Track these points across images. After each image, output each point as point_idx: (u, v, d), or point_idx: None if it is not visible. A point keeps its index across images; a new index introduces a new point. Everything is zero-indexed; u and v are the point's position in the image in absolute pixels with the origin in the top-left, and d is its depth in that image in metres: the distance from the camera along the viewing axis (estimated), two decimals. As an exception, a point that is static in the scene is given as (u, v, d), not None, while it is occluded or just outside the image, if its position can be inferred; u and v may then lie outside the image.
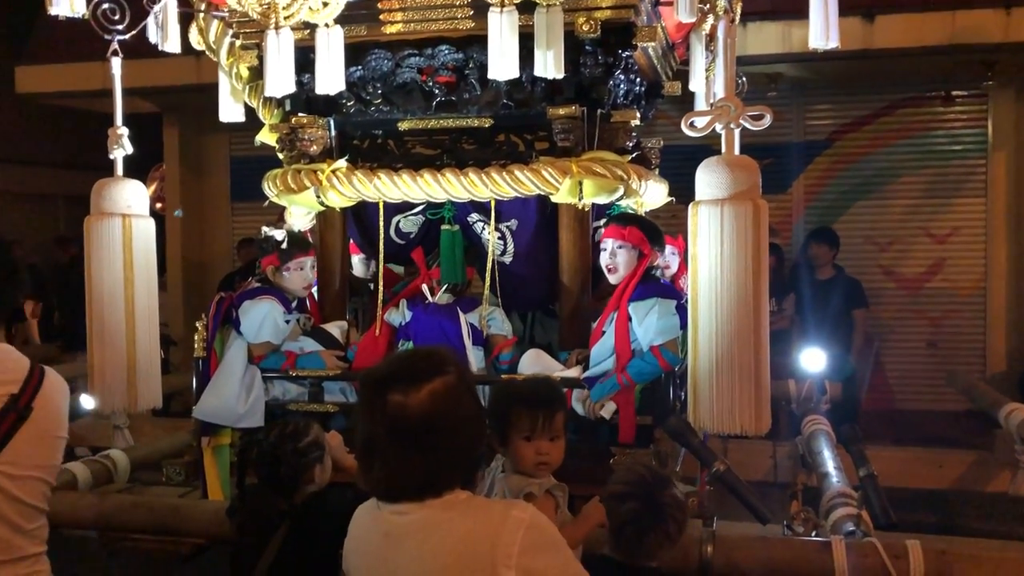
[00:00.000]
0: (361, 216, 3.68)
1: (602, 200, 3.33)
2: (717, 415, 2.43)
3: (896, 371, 7.49)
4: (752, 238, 2.42)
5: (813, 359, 4.37)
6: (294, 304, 3.54)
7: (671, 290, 3.28)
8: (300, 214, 3.73)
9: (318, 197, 3.42)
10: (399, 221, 3.65)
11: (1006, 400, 4.68)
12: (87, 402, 2.95)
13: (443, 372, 1.61)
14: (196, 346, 3.45)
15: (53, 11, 2.89)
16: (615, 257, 3.23)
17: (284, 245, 3.47)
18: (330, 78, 2.99)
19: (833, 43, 3.31)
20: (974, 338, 7.41)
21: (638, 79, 3.64)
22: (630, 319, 3.12)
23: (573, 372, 3.22)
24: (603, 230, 3.33)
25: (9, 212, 11.13)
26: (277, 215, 3.99)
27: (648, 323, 3.07)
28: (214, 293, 6.97)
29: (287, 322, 3.49)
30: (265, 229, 3.54)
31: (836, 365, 4.86)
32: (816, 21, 3.31)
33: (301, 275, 3.50)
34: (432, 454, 1.58)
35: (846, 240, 7.12)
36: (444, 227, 3.54)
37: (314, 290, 3.68)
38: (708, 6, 2.87)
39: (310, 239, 3.64)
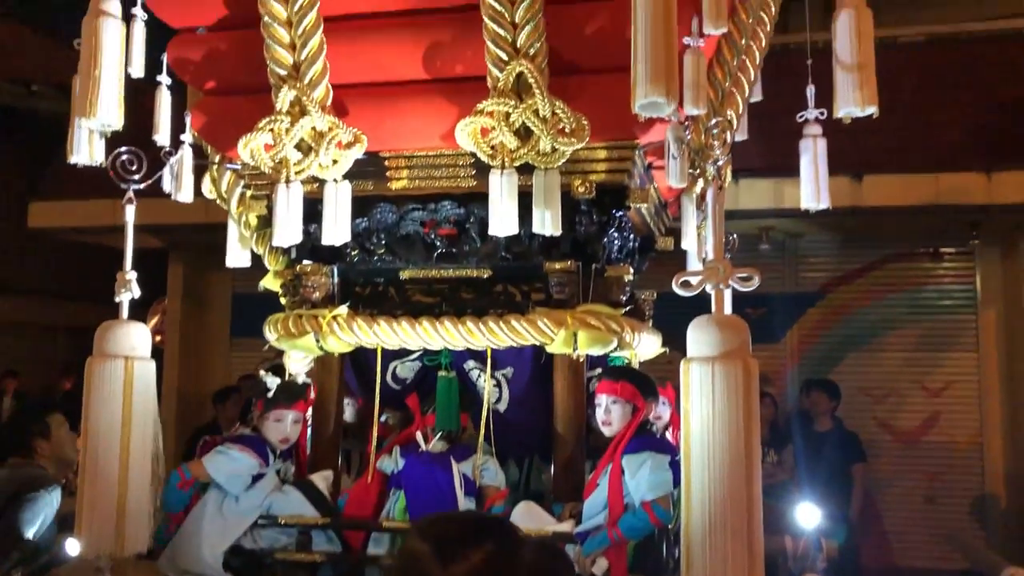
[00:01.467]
0: (359, 361, 3.72)
1: (596, 352, 3.39)
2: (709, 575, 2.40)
3: (895, 527, 7.37)
4: (743, 397, 2.46)
5: (808, 515, 4.31)
6: (278, 452, 3.53)
7: (665, 445, 3.29)
8: (298, 358, 3.78)
9: (318, 342, 3.47)
10: (396, 367, 3.69)
11: (1005, 563, 4.59)
12: (72, 546, 2.90)
13: (484, 543, 1.54)
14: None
15: (73, 159, 3.04)
16: (609, 412, 3.26)
17: (271, 394, 3.49)
18: (337, 230, 3.12)
19: (824, 204, 3.46)
20: (971, 493, 7.32)
21: (632, 235, 3.77)
22: (623, 472, 3.12)
23: (566, 526, 3.19)
24: (596, 384, 3.38)
25: (10, 342, 11.18)
26: (275, 353, 4.02)
27: (640, 478, 3.07)
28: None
29: (260, 476, 3.44)
30: (262, 373, 3.57)
31: (834, 522, 4.78)
32: (807, 183, 3.48)
33: (278, 427, 3.48)
34: None
35: (842, 392, 7.15)
36: (441, 374, 3.57)
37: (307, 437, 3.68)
38: (698, 172, 3.03)
39: (311, 392, 3.63)
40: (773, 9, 3.55)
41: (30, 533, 3.63)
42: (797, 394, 7.07)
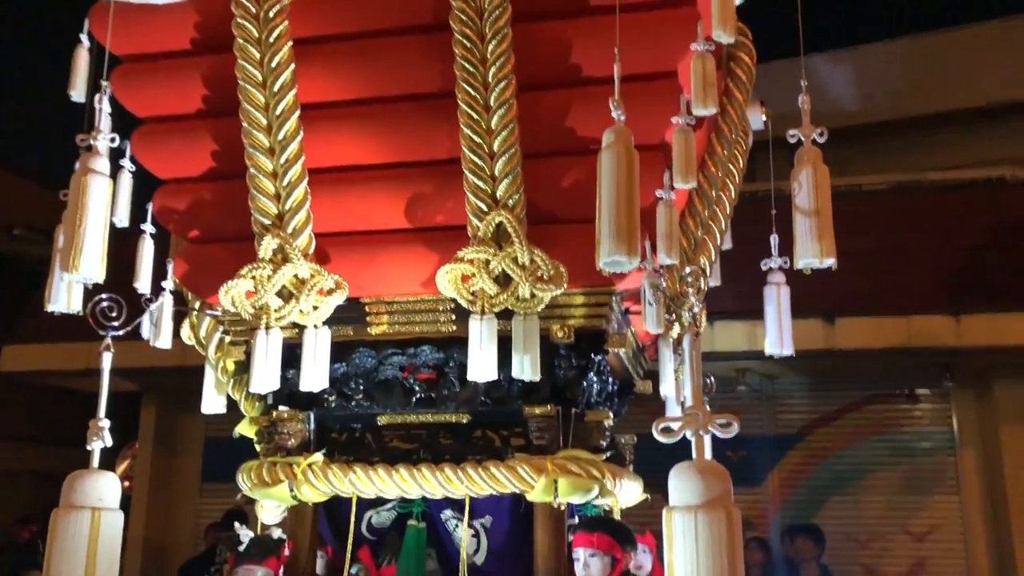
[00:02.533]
0: (333, 510, 3.63)
1: (577, 500, 3.33)
2: None
3: None
4: (727, 546, 2.43)
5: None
6: None
7: (648, 598, 3.20)
8: (271, 507, 3.68)
9: (292, 491, 3.39)
10: (371, 516, 3.61)
11: None
12: None
13: None
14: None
15: (51, 308, 3.03)
16: (589, 568, 3.18)
17: (242, 547, 3.38)
18: (315, 375, 3.11)
19: (788, 351, 3.51)
20: (965, 643, 7.11)
21: (610, 379, 3.78)
22: None
23: None
24: (572, 537, 3.30)
25: (-30, 488, 10.83)
26: (246, 500, 3.92)
27: None
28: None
29: None
30: (236, 525, 3.47)
31: None
32: (772, 331, 3.54)
33: None
34: None
35: (827, 536, 7.03)
36: (411, 523, 3.48)
37: None
38: (674, 317, 3.08)
39: (286, 549, 3.50)
40: (741, 162, 3.71)
41: None
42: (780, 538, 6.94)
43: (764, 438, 7.70)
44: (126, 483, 8.88)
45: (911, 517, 7.37)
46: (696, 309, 2.82)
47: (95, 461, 2.98)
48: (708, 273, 3.48)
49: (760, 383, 7.71)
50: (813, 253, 2.85)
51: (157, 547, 8.41)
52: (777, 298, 3.45)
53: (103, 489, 2.92)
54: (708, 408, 2.60)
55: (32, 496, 10.98)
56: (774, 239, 3.46)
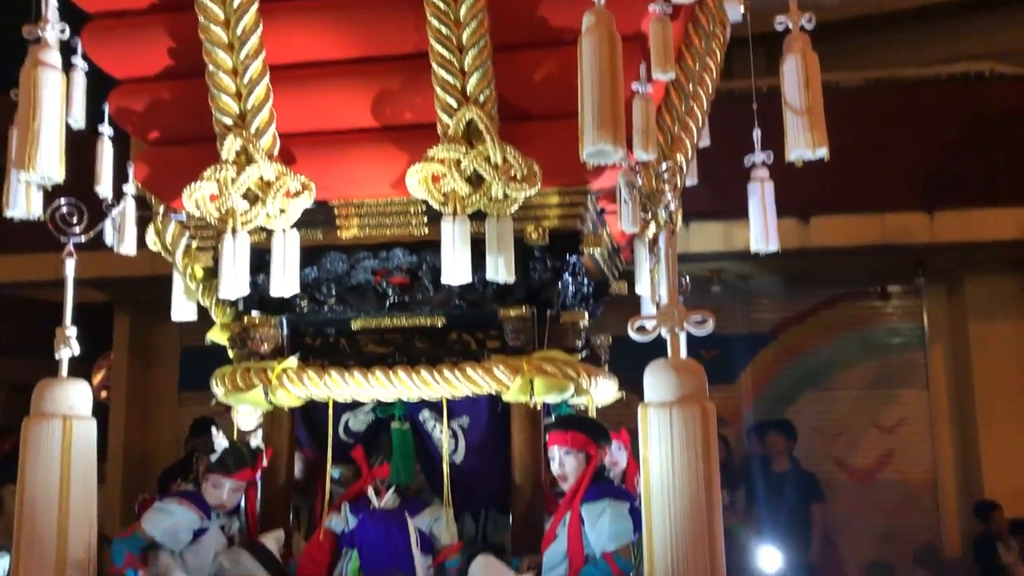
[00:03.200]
0: (310, 415, 3.62)
1: (553, 399, 3.35)
2: (673, 623, 2.36)
3: (854, 564, 7.37)
4: (702, 442, 2.45)
5: (770, 558, 4.29)
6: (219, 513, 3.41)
7: (624, 492, 3.24)
8: (246, 412, 3.67)
9: (267, 396, 3.37)
10: (348, 420, 3.60)
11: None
12: (5, 616, 2.76)
13: None
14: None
15: (9, 213, 2.95)
16: (564, 466, 3.21)
17: (215, 457, 3.37)
18: (285, 280, 3.05)
19: (773, 247, 3.49)
20: (927, 529, 7.38)
21: (586, 281, 3.75)
22: (582, 522, 3.07)
23: (525, 579, 3.11)
24: (547, 436, 3.32)
25: (-53, 400, 10.81)
26: (224, 408, 3.90)
27: (600, 527, 3.02)
28: (154, 487, 6.76)
29: (202, 531, 3.31)
30: (213, 431, 3.45)
31: (794, 564, 4.77)
32: (756, 226, 3.52)
33: (215, 493, 3.34)
34: None
35: (799, 431, 7.19)
36: (394, 425, 3.49)
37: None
38: (650, 216, 3.03)
39: (264, 460, 3.50)
40: (719, 55, 3.60)
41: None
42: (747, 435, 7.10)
43: (738, 337, 7.79)
44: (103, 393, 8.89)
45: (880, 411, 7.56)
46: (672, 207, 2.77)
47: (64, 369, 2.94)
48: (685, 171, 3.41)
49: (734, 283, 7.76)
50: (805, 143, 2.80)
51: (138, 456, 8.48)
52: (761, 194, 3.41)
53: (73, 397, 2.89)
54: (683, 306, 2.59)
55: (9, 409, 10.98)
56: (757, 133, 3.40)
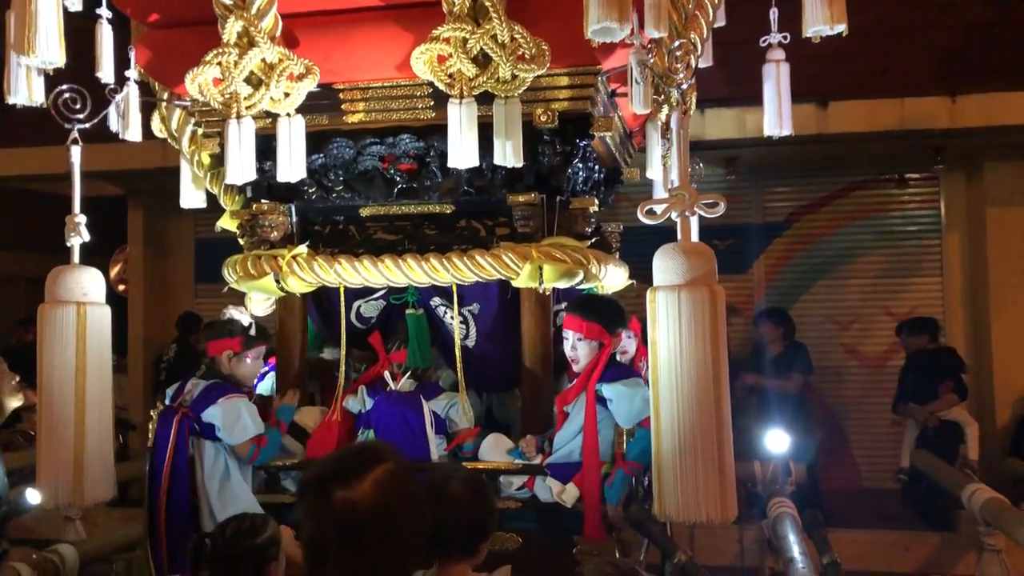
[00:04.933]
0: (322, 301, 3.66)
1: (562, 285, 3.35)
2: (682, 504, 2.40)
3: (861, 450, 7.52)
4: (710, 323, 2.43)
5: (777, 440, 4.36)
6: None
7: (640, 376, 3.28)
8: (259, 300, 3.70)
9: (278, 283, 3.40)
10: (360, 306, 3.64)
11: (968, 480, 4.69)
12: (33, 496, 2.85)
13: (383, 460, 1.59)
14: (150, 435, 3.37)
15: (12, 100, 2.90)
16: (576, 350, 3.24)
17: (252, 331, 3.42)
18: (291, 166, 3.01)
19: (787, 130, 3.41)
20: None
21: (596, 166, 3.70)
22: (600, 401, 3.12)
23: (535, 460, 3.19)
24: (563, 316, 3.34)
25: (-30, 294, 10.98)
26: (235, 297, 3.94)
27: (633, 404, 3.06)
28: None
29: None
30: (231, 311, 3.48)
31: (799, 446, 4.85)
32: (770, 110, 3.42)
33: (257, 364, 3.44)
34: (386, 546, 1.54)
35: (808, 319, 7.22)
36: (409, 311, 3.53)
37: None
38: (662, 97, 2.95)
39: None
40: (736, -74, 3.45)
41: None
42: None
43: (751, 227, 7.74)
44: (121, 287, 8.99)
45: (893, 299, 7.55)
46: (685, 87, 2.69)
47: (75, 256, 2.95)
48: (699, 50, 3.30)
49: (749, 172, 7.65)
50: (823, 19, 2.71)
51: (157, 347, 8.62)
52: (776, 76, 3.30)
53: (87, 284, 2.89)
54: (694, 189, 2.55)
55: (29, 302, 11.14)
56: (774, 13, 3.27)
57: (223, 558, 2.37)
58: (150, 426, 3.36)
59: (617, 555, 2.94)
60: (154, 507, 3.27)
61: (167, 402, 3.45)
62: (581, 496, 3.07)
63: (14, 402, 3.82)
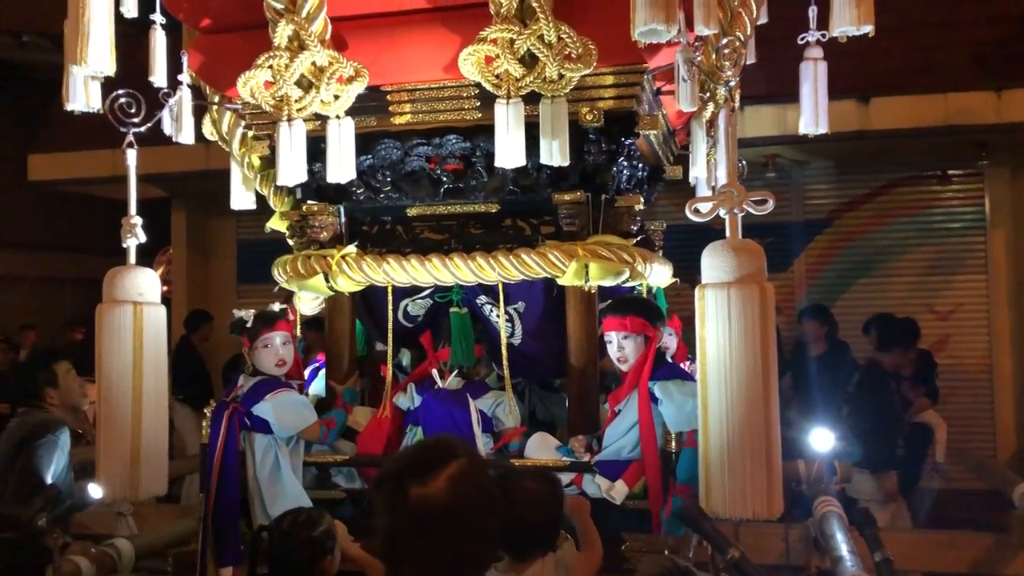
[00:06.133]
0: (369, 300, 3.71)
1: (608, 283, 3.36)
2: (729, 499, 2.41)
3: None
4: (760, 321, 2.44)
5: (822, 439, 4.34)
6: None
7: (690, 375, 3.28)
8: (308, 299, 3.76)
9: (327, 282, 3.45)
10: (407, 305, 3.68)
11: (1019, 479, 4.62)
12: (95, 491, 2.92)
13: (456, 456, 1.61)
14: (203, 432, 3.43)
15: (69, 106, 2.97)
16: (623, 349, 3.24)
17: (249, 323, 3.46)
18: (341, 168, 3.07)
19: (823, 129, 3.40)
20: (982, 415, 7.36)
21: (640, 164, 3.71)
22: (653, 400, 3.13)
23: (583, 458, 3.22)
24: (603, 320, 3.35)
25: (19, 295, 11.23)
26: (283, 296, 4.01)
27: (683, 409, 3.06)
28: (219, 378, 6.99)
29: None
30: (235, 313, 3.54)
31: (847, 442, 4.82)
32: (807, 107, 3.42)
33: (269, 352, 3.43)
34: (461, 541, 1.57)
35: (850, 318, 7.15)
36: (453, 310, 3.56)
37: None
38: (708, 95, 2.96)
39: (289, 315, 3.61)
40: (779, -75, 3.44)
41: (50, 477, 3.67)
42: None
43: (792, 224, 7.69)
44: (164, 287, 9.15)
45: (936, 296, 7.46)
46: (732, 84, 2.70)
47: (132, 257, 3.02)
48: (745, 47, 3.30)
49: (789, 169, 7.60)
50: (850, 20, 2.71)
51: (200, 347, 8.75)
52: (814, 74, 3.29)
53: (142, 284, 2.97)
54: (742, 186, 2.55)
55: (77, 304, 11.38)
56: (812, 11, 3.27)
57: (280, 551, 2.42)
58: (203, 423, 3.43)
59: (666, 552, 2.95)
60: (207, 501, 3.33)
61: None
62: (635, 492, 3.08)
63: (84, 403, 3.93)
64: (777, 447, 2.43)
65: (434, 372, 3.50)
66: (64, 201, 10.11)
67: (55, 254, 11.46)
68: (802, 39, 3.31)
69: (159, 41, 3.19)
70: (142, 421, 2.90)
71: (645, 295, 3.67)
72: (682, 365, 3.62)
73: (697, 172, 3.64)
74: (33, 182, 8.39)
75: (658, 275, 3.63)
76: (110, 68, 2.80)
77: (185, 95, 3.21)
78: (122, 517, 4.57)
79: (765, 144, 6.73)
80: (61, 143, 7.96)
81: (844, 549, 3.36)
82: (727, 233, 2.55)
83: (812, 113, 3.38)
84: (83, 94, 2.95)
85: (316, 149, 3.21)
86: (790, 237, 7.64)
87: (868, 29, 2.77)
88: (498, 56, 2.93)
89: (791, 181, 7.76)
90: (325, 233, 3.52)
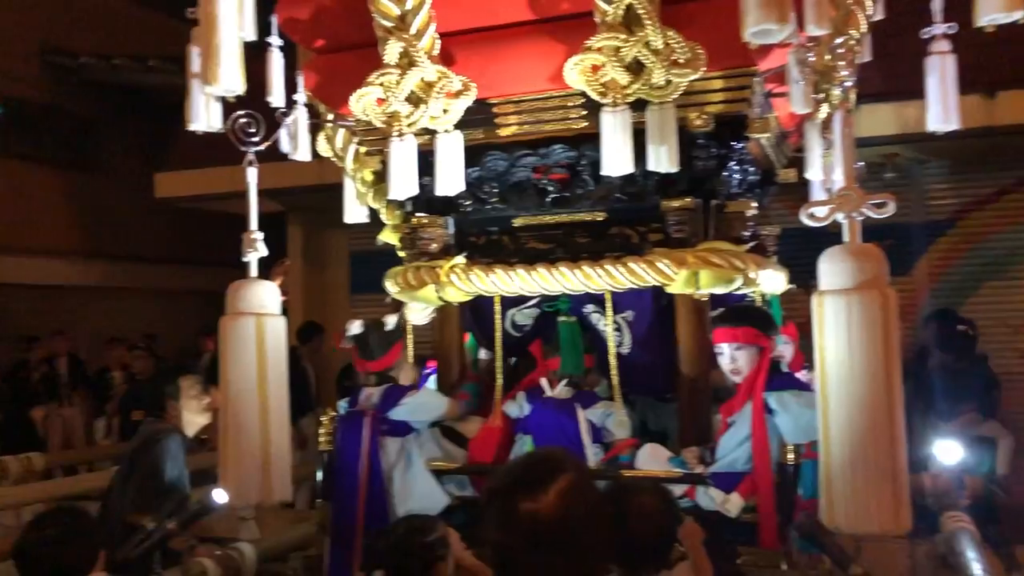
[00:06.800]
0: (478, 310, 3.74)
1: (719, 290, 3.30)
2: (853, 514, 2.32)
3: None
4: (882, 329, 2.35)
5: (949, 451, 4.13)
6: None
7: (807, 385, 3.19)
8: (418, 308, 3.83)
9: (437, 293, 3.50)
10: (515, 314, 3.70)
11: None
12: (220, 496, 3.04)
13: (564, 471, 1.61)
14: (321, 440, 3.53)
15: (192, 127, 3.11)
16: (735, 360, 3.17)
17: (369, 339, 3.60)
18: (450, 180, 3.11)
19: (953, 125, 3.25)
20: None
21: (752, 169, 3.63)
22: (768, 411, 3.05)
23: (697, 469, 3.16)
24: (713, 331, 3.28)
25: (142, 308, 11.82)
26: (394, 306, 4.08)
27: (799, 419, 2.98)
28: (334, 385, 7.18)
29: None
30: (349, 326, 3.65)
31: (976, 457, 4.57)
32: (935, 104, 3.27)
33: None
34: (573, 556, 1.56)
35: (977, 323, 6.79)
36: (561, 319, 3.56)
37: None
38: (822, 96, 2.87)
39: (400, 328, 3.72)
40: (894, -83, 3.31)
41: (174, 480, 3.80)
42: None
43: (913, 226, 7.36)
44: (283, 298, 9.47)
45: (1072, 300, 7.03)
46: (848, 84, 2.61)
47: (253, 271, 3.12)
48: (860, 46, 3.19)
49: (909, 168, 7.30)
50: (999, 6, 2.56)
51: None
52: (941, 68, 3.15)
53: (263, 296, 3.06)
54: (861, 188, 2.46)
55: (199, 314, 11.90)
56: (937, 2, 3.13)
57: (395, 555, 2.46)
58: (320, 431, 3.53)
59: (784, 567, 2.87)
60: (344, 506, 3.42)
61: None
62: (749, 505, 3.01)
63: (202, 419, 4.08)
64: (903, 460, 2.33)
65: (543, 381, 3.50)
66: (182, 216, 10.60)
67: (177, 267, 12.02)
68: (926, 32, 3.18)
69: (276, 63, 3.30)
70: (269, 428, 3.00)
71: (759, 303, 3.58)
72: (797, 375, 3.51)
73: (812, 175, 3.53)
74: (158, 200, 8.83)
75: (772, 281, 3.54)
76: (241, 87, 2.92)
77: (301, 114, 3.31)
78: (244, 521, 4.72)
79: (882, 143, 6.48)
80: (183, 163, 8.36)
81: (978, 568, 3.19)
82: (846, 237, 2.46)
83: (941, 109, 3.24)
84: (205, 115, 3.08)
85: (425, 163, 3.26)
86: (911, 239, 7.32)
87: (1020, 15, 2.59)
88: (604, 64, 2.92)
89: (911, 181, 7.44)
90: (434, 244, 3.58)
